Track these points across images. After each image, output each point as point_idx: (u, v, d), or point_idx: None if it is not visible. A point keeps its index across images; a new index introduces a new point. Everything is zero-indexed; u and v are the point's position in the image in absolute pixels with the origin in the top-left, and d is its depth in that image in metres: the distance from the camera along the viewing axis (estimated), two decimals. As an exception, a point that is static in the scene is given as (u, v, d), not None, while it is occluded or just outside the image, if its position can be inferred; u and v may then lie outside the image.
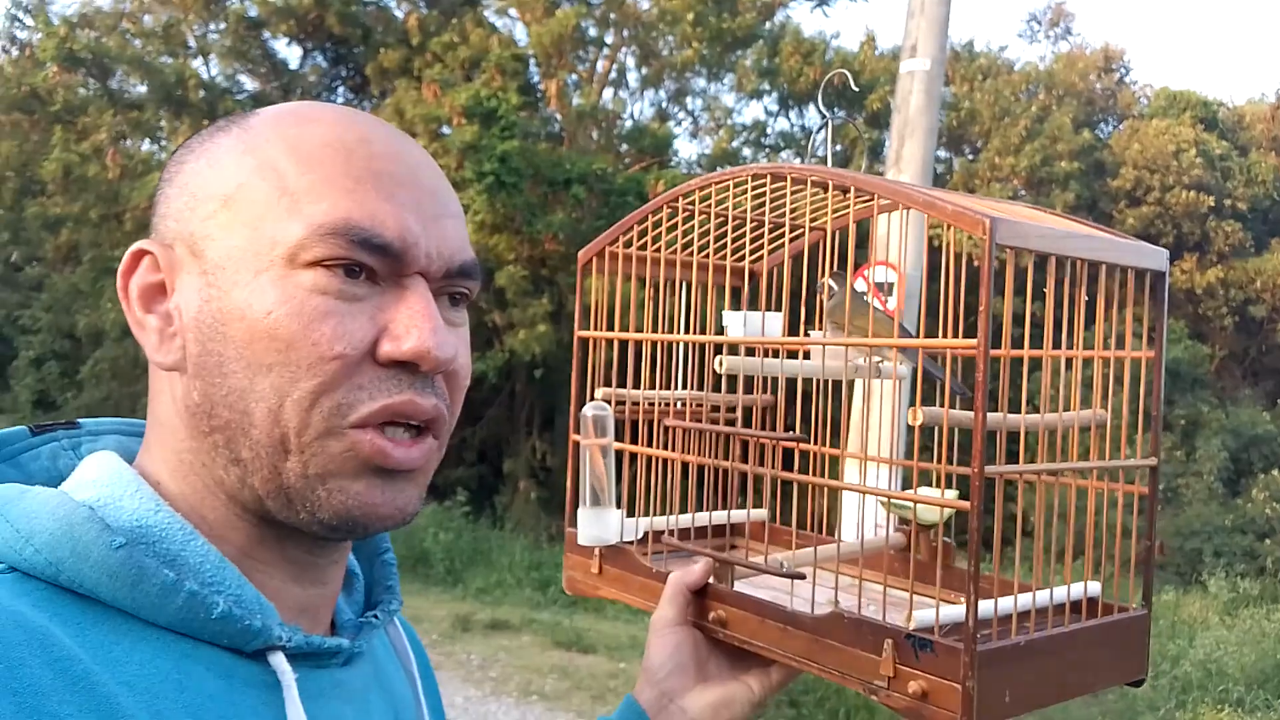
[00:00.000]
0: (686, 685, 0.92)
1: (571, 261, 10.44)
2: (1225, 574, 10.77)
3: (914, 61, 6.26)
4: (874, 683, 0.82)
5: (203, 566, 0.57)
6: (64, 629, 0.52)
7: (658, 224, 1.10)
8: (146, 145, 13.32)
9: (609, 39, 13.27)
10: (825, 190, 0.94)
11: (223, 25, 13.08)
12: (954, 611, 0.82)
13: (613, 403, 1.07)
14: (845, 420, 0.96)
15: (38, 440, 0.64)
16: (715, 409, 1.15)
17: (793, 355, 1.06)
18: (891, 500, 0.99)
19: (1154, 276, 0.92)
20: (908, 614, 0.82)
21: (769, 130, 15.04)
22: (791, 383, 1.07)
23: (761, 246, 1.18)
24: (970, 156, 16.42)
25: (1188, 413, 14.40)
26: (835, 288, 1.03)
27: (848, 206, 1.03)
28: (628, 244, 1.12)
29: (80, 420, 0.68)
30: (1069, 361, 0.93)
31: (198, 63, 13.14)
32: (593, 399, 1.09)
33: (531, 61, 12.53)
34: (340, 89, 13.92)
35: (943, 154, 16.04)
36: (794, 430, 1.04)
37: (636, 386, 1.11)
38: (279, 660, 0.58)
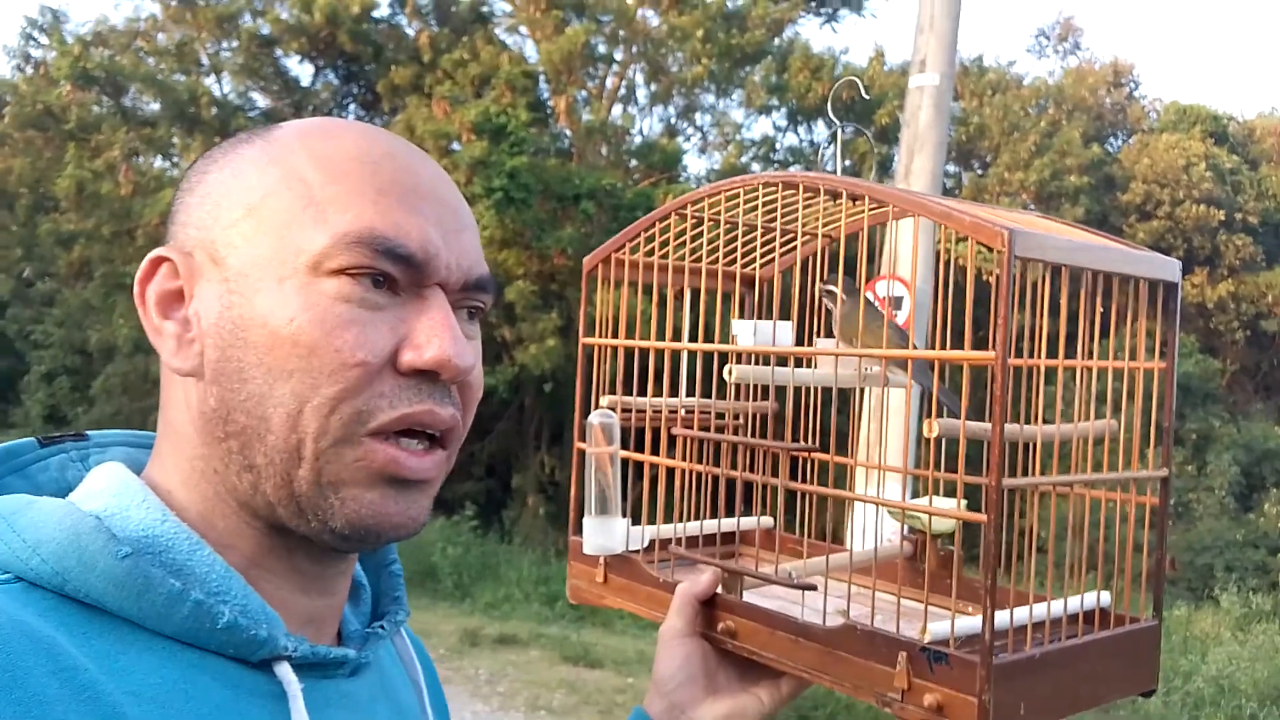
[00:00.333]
0: (697, 697, 0.91)
1: (581, 276, 10.34)
2: (1237, 589, 10.69)
3: (923, 76, 6.27)
4: (888, 695, 0.81)
5: (209, 576, 0.57)
6: (70, 638, 0.51)
7: (665, 231, 1.10)
8: (159, 162, 13.42)
9: (618, 56, 13.32)
10: (837, 199, 0.94)
11: (235, 43, 13.19)
12: (967, 624, 0.81)
13: (618, 410, 1.06)
14: (854, 430, 0.95)
15: (46, 452, 0.65)
16: (720, 417, 1.14)
17: (798, 364, 1.05)
18: (905, 511, 0.98)
19: (1166, 288, 0.92)
20: (922, 626, 0.81)
21: (778, 146, 15.06)
22: (798, 391, 1.07)
23: (771, 255, 1.17)
24: (979, 171, 16.41)
25: (1199, 427, 14.32)
26: (841, 295, 1.03)
27: (859, 215, 1.03)
28: (634, 251, 1.12)
29: (88, 432, 0.68)
30: (1078, 373, 0.92)
31: (210, 80, 13.24)
32: (598, 407, 1.08)
33: (541, 78, 12.59)
34: (351, 106, 14.00)
35: (952, 168, 16.04)
36: (799, 439, 1.03)
37: (642, 395, 1.10)
38: (285, 670, 0.58)
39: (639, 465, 1.10)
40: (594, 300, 1.13)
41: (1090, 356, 0.91)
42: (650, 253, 1.12)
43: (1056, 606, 0.88)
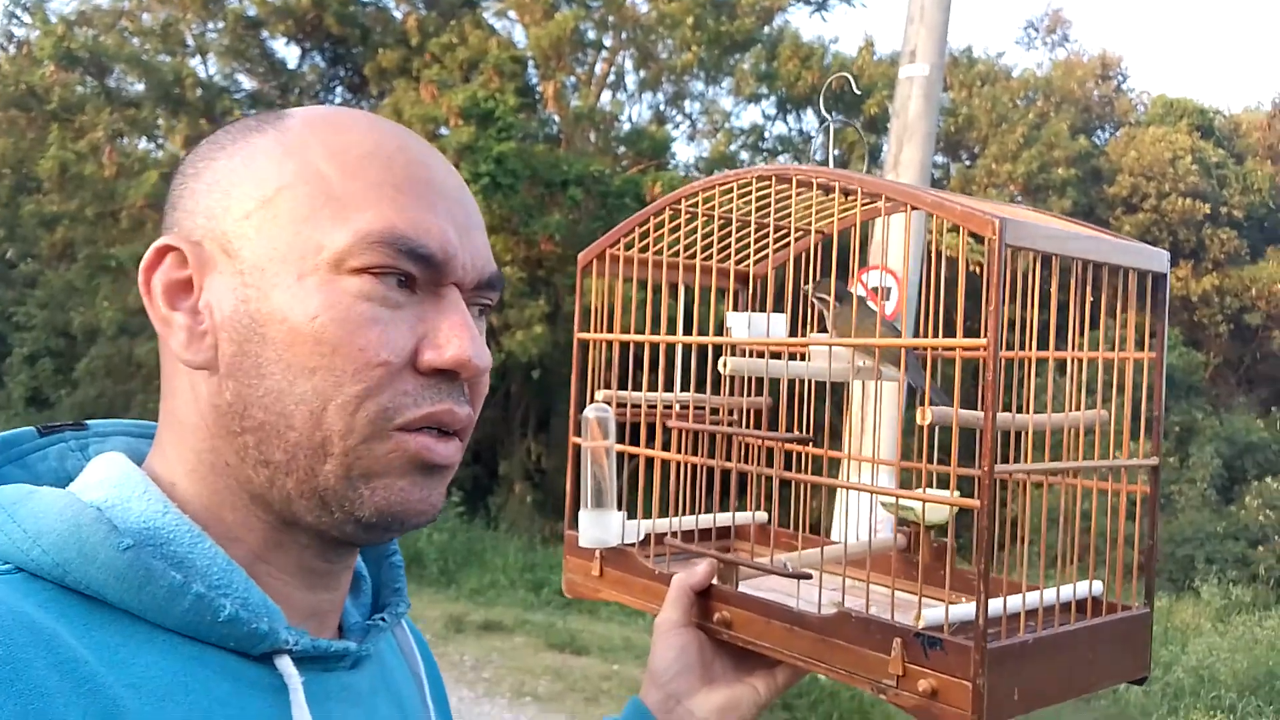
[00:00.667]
0: (693, 687, 0.91)
1: (568, 263, 10.46)
2: (1218, 581, 10.81)
3: (913, 67, 6.27)
4: (883, 682, 0.82)
5: (210, 569, 0.56)
6: (70, 630, 0.51)
7: (659, 226, 1.10)
8: (143, 143, 13.30)
9: (608, 42, 13.28)
10: (829, 193, 0.94)
11: (221, 24, 13.08)
12: (960, 611, 0.82)
13: (613, 404, 1.07)
14: (846, 421, 0.96)
15: (45, 441, 0.64)
16: (714, 411, 1.15)
17: (792, 357, 1.06)
18: (899, 500, 0.99)
19: (1155, 278, 0.94)
20: (917, 613, 0.82)
21: (767, 134, 15.08)
22: (790, 384, 1.07)
23: (766, 248, 1.17)
24: (967, 162, 16.46)
25: (1182, 420, 14.44)
26: (833, 301, 1.03)
27: (851, 208, 1.03)
28: (628, 246, 1.12)
29: (88, 421, 0.67)
30: (1068, 363, 0.93)
31: (195, 62, 13.13)
32: (593, 401, 1.08)
33: (530, 63, 12.54)
34: (338, 89, 13.92)
35: (940, 159, 16.08)
36: (792, 431, 1.04)
37: (636, 389, 1.10)
38: (286, 664, 0.58)
39: (634, 458, 1.11)
40: (587, 293, 1.13)
41: (1080, 347, 0.92)
42: (645, 248, 1.12)
43: (1049, 594, 0.89)
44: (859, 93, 12.44)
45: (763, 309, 1.15)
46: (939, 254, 0.94)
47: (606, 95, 13.72)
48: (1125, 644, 0.92)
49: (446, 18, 12.40)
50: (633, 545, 1.06)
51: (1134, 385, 0.94)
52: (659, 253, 1.13)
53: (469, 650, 6.48)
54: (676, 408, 1.11)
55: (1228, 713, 6.30)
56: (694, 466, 1.09)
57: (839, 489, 1.07)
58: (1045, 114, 16.99)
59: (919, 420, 0.84)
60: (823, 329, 1.07)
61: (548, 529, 10.53)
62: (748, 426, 1.16)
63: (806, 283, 1.07)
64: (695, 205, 1.07)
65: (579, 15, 12.24)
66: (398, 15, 12.87)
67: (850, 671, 0.84)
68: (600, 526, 1.04)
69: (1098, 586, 0.94)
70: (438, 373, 0.59)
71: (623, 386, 1.11)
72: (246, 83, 13.70)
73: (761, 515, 1.20)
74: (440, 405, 0.59)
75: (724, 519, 1.14)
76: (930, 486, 0.98)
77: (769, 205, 1.07)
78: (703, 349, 1.08)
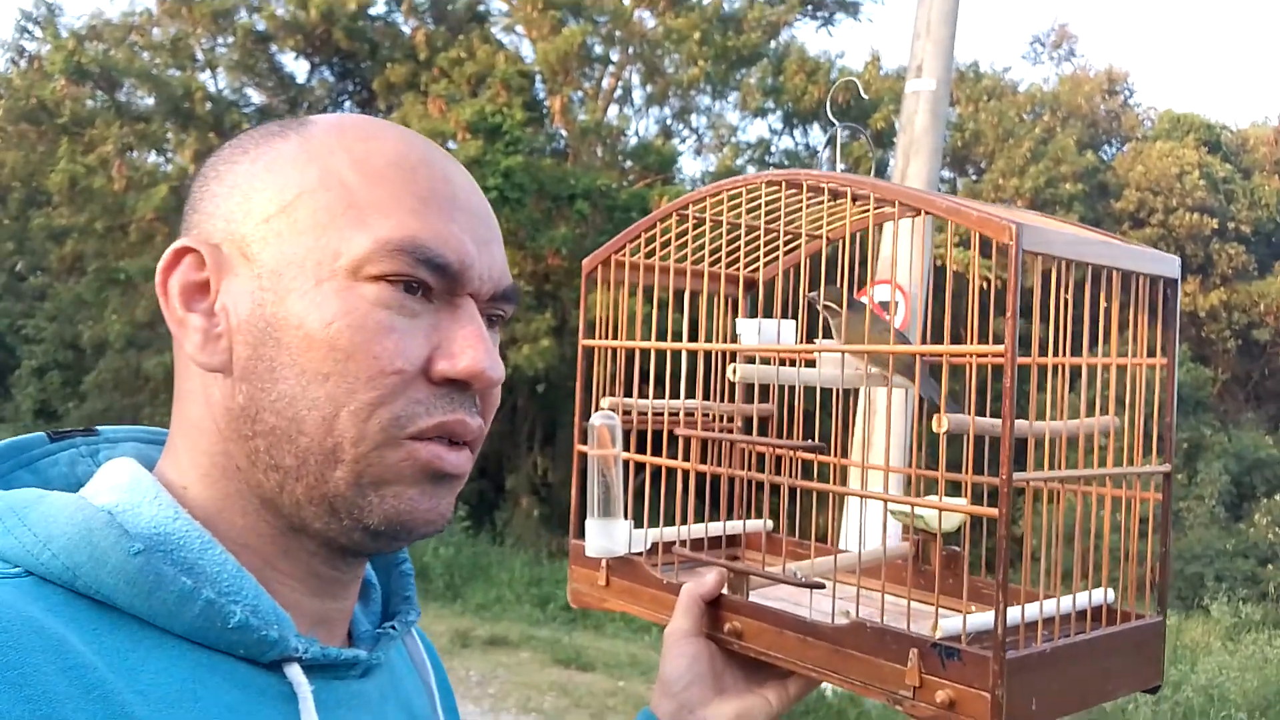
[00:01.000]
0: (705, 697, 0.90)
1: (575, 276, 10.49)
2: (1227, 599, 10.73)
3: (920, 82, 6.29)
4: (899, 693, 0.81)
5: (220, 575, 0.56)
6: (79, 635, 0.51)
7: (665, 232, 1.09)
8: (153, 157, 13.39)
9: (615, 56, 13.34)
10: (839, 198, 0.94)
11: (230, 39, 13.18)
12: (977, 620, 0.81)
13: (619, 412, 1.06)
14: (852, 431, 0.95)
15: (56, 447, 0.64)
16: (722, 418, 1.14)
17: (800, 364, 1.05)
18: (914, 508, 0.98)
19: (1167, 284, 0.93)
20: (933, 623, 0.81)
21: (773, 148, 15.11)
22: (791, 391, 1.07)
23: (774, 256, 1.17)
24: (974, 177, 16.47)
25: (1190, 436, 14.38)
26: (837, 308, 1.02)
27: (863, 215, 1.03)
28: (634, 252, 1.12)
29: (99, 427, 0.67)
30: (1082, 370, 0.93)
31: (205, 76, 13.23)
32: (598, 409, 1.08)
33: (537, 78, 12.60)
34: (347, 103, 14.00)
35: (947, 174, 16.09)
36: (802, 440, 1.03)
37: (642, 397, 1.10)
38: (295, 672, 0.57)
39: (640, 467, 1.10)
40: (592, 302, 1.12)
41: (1093, 354, 0.91)
42: (650, 254, 1.12)
43: (1064, 603, 0.89)
44: (864, 98, 12.46)
45: (777, 314, 1.14)
46: (942, 268, 0.93)
47: (613, 110, 13.78)
48: (1140, 652, 0.91)
49: (454, 32, 12.49)
50: (640, 554, 1.05)
51: (1146, 391, 0.93)
52: (665, 259, 1.12)
53: (475, 665, 6.46)
54: (682, 415, 1.10)
55: (1238, 732, 6.24)
56: (700, 475, 1.08)
57: (848, 497, 1.06)
58: (1052, 129, 17.01)
59: (935, 428, 0.83)
60: (828, 336, 1.07)
61: (554, 543, 10.52)
62: (755, 434, 1.15)
63: (814, 289, 1.07)
64: (702, 211, 1.06)
65: (586, 30, 12.30)
66: (406, 30, 12.96)
67: (865, 682, 0.83)
68: (607, 535, 1.03)
69: (1111, 595, 0.93)
70: (450, 383, 0.59)
71: (628, 394, 1.10)
72: (256, 97, 13.80)
73: (767, 523, 1.19)
74: (452, 415, 0.59)
75: (733, 528, 1.13)
76: (933, 494, 0.97)
77: (778, 211, 1.07)
78: (709, 356, 1.08)
